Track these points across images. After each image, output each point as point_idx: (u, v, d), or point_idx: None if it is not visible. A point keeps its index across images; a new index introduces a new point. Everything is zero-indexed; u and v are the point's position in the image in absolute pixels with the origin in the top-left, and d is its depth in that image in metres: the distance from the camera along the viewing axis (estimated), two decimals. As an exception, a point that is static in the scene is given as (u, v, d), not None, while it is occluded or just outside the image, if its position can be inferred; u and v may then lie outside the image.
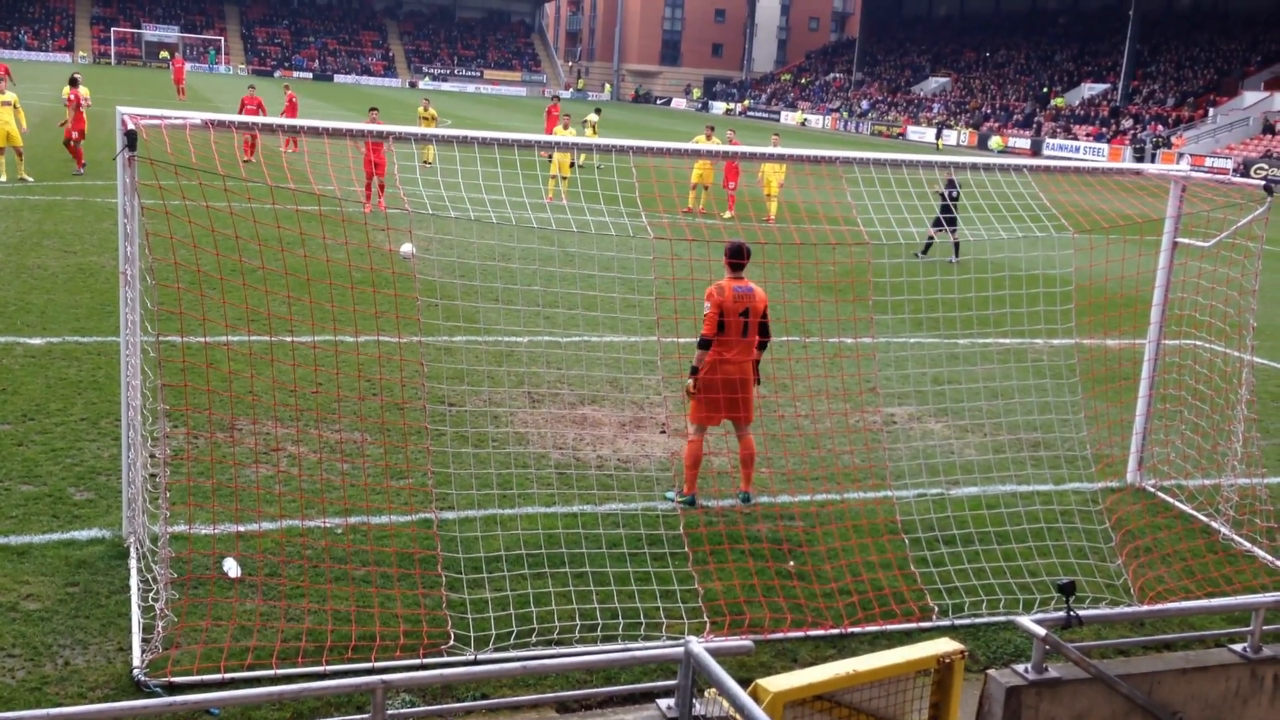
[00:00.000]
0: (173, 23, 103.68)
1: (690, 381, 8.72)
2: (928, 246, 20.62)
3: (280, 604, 6.80)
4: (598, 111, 41.24)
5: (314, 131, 7.37)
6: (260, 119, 7.48)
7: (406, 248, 14.32)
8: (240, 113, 32.21)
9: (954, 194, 19.07)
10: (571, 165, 24.71)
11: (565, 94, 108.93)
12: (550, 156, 24.35)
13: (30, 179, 23.73)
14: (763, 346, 8.87)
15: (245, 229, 7.41)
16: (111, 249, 16.81)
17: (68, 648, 6.24)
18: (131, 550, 7.27)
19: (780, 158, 8.51)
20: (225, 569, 7.11)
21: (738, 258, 8.72)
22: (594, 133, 37.38)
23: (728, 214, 25.76)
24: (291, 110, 32.44)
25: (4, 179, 23.47)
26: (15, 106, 23.75)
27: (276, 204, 7.61)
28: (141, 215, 6.75)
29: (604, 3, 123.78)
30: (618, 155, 8.23)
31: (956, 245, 20.39)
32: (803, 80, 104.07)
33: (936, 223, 19.09)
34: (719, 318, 8.59)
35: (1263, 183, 8.82)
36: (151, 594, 6.57)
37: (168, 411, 7.08)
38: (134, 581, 6.89)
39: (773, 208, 24.87)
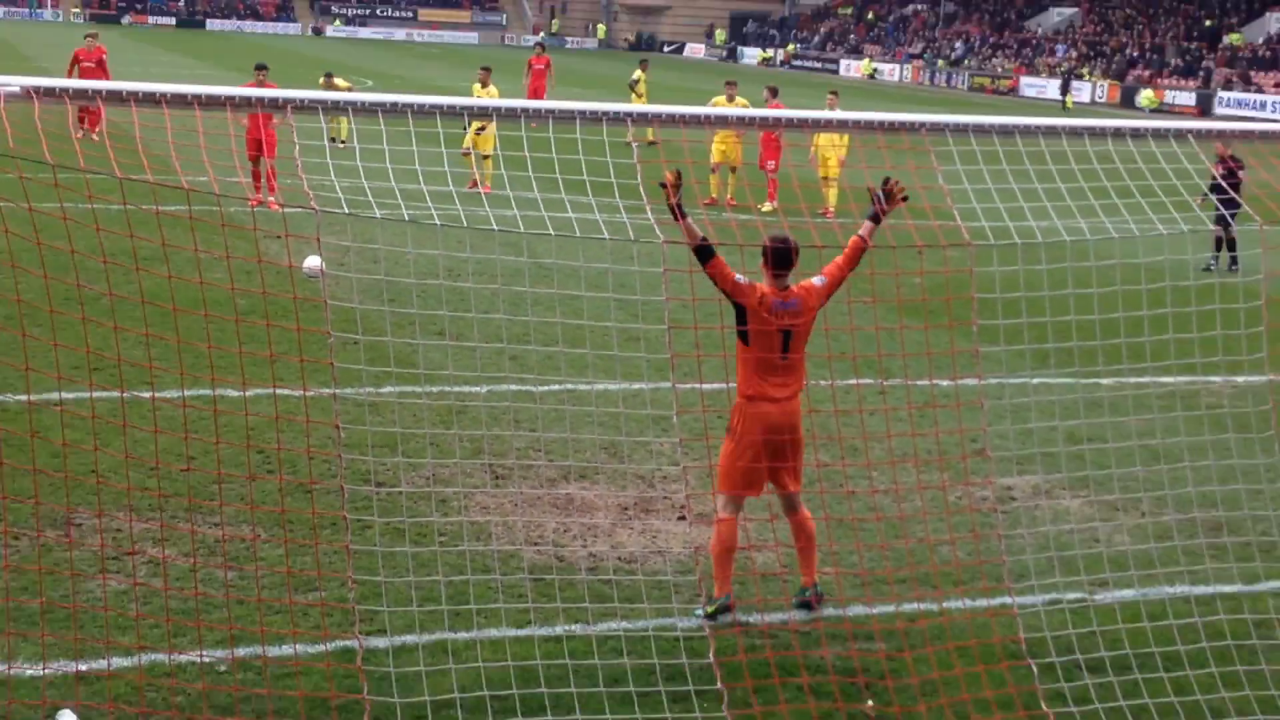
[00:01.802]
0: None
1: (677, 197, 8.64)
2: (1220, 244, 21.60)
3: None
4: (643, 65, 41.60)
5: (180, 100, 7.42)
6: (104, 84, 7.57)
7: (312, 261, 14.40)
8: (72, 72, 32.43)
9: (1240, 175, 19.83)
10: (480, 130, 24.69)
11: (531, 39, 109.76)
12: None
13: None
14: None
15: (85, 240, 7.45)
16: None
17: None
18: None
19: (841, 125, 8.58)
20: (60, 726, 7.10)
21: (781, 264, 8.78)
22: (641, 98, 37.82)
23: (767, 206, 25.90)
24: (101, 71, 32.44)
25: None
26: None
27: (128, 204, 7.65)
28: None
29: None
30: (610, 124, 8.30)
31: (1233, 243, 20.98)
32: (870, 15, 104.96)
33: (1219, 219, 19.63)
34: (741, 316, 8.75)
35: None
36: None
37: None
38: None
39: (832, 196, 25.04)
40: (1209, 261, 21.57)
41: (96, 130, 27.27)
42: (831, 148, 25.52)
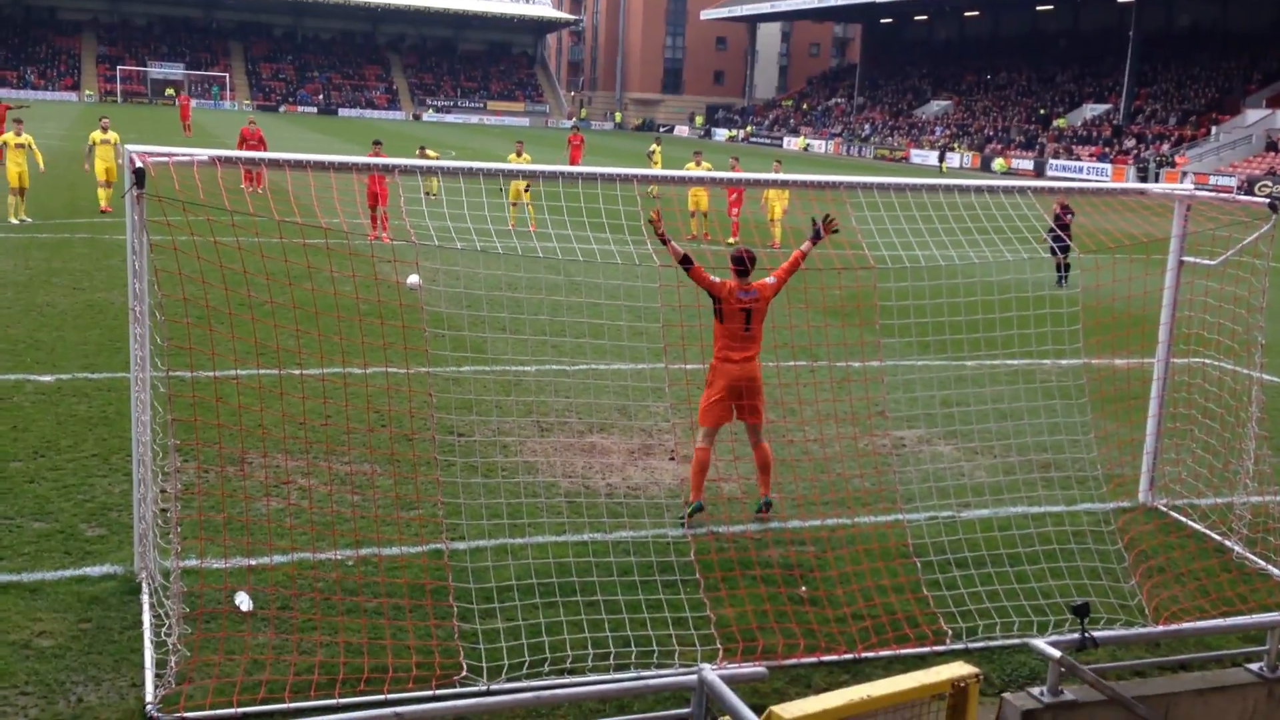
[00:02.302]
0: (178, 60, 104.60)
1: (662, 229, 8.48)
2: (1062, 269, 21.12)
3: (292, 637, 6.80)
4: (658, 140, 41.06)
5: (320, 166, 7.42)
6: (266, 154, 7.54)
7: (413, 279, 14.39)
8: (240, 146, 32.10)
9: (1068, 219, 19.94)
10: (527, 189, 24.61)
11: (568, 123, 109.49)
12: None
13: (29, 219, 23.85)
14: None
15: (253, 263, 7.45)
16: (120, 285, 16.89)
17: (81, 684, 6.24)
18: (143, 585, 7.27)
19: (784, 184, 8.56)
20: (237, 603, 7.11)
21: (739, 264, 8.81)
22: (656, 164, 37.38)
23: (732, 239, 25.85)
24: (261, 145, 31.90)
25: (13, 220, 23.51)
26: (30, 147, 24.15)
27: (284, 238, 7.64)
28: (150, 252, 6.80)
29: (605, 33, 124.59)
30: (622, 184, 8.28)
31: (1067, 267, 20.78)
32: (804, 106, 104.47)
33: (1053, 250, 19.59)
34: (716, 302, 8.72)
35: (1267, 200, 8.83)
36: (164, 629, 6.58)
37: (178, 446, 7.10)
38: (146, 617, 6.89)
39: (777, 232, 24.95)
40: (1060, 280, 21.32)
41: (260, 187, 26.98)
42: (777, 199, 25.40)
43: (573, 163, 40.72)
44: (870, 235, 10.18)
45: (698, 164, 26.63)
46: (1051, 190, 9.71)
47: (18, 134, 24.11)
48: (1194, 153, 60.36)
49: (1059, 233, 18.87)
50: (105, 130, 25.63)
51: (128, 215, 6.82)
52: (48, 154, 26.87)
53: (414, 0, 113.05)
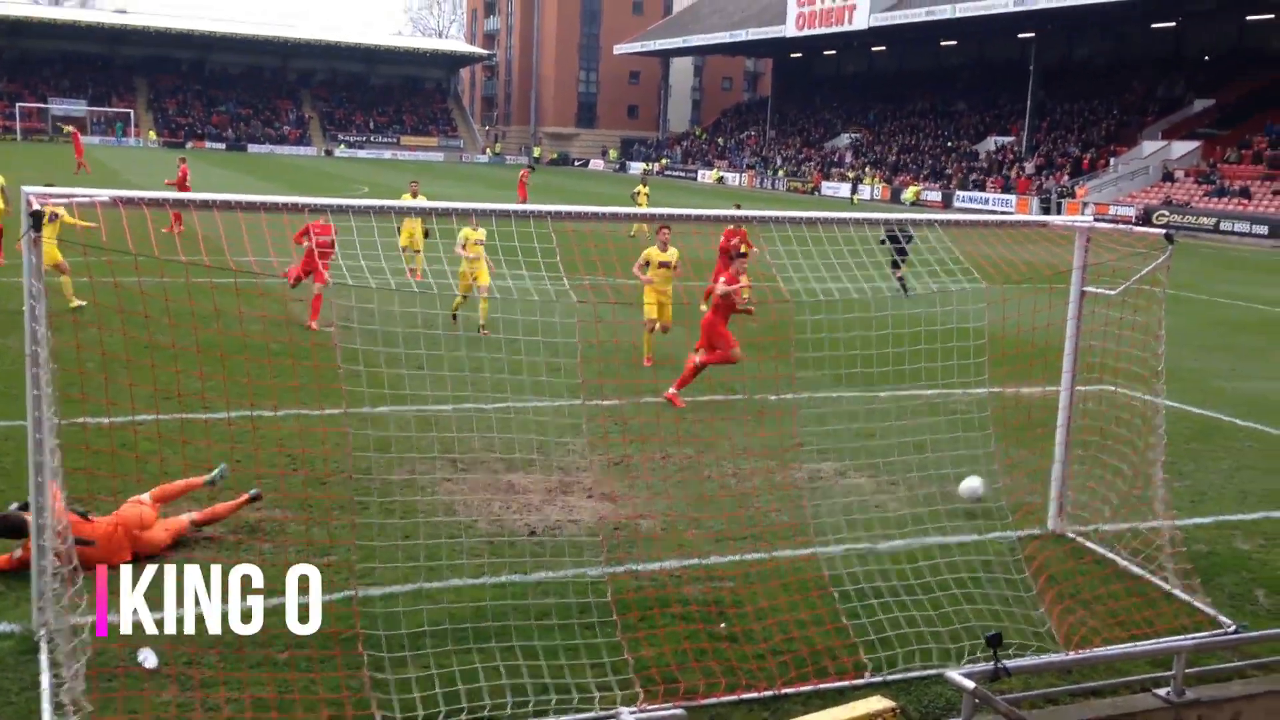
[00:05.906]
0: (80, 96, 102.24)
1: None
2: (903, 283, 21.45)
3: (198, 694, 6.59)
4: (644, 182, 40.29)
5: (231, 206, 7.18)
6: (174, 194, 7.35)
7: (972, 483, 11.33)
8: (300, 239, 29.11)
9: (906, 236, 20.17)
10: (426, 235, 20.48)
11: (483, 158, 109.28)
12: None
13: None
14: None
15: (157, 306, 7.27)
16: (16, 331, 16.34)
17: (-27, 751, 5.98)
18: (42, 644, 7.01)
19: (700, 219, 8.59)
20: (141, 660, 6.88)
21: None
22: (645, 202, 36.65)
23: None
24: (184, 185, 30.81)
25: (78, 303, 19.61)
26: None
27: (191, 279, 7.49)
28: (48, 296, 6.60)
29: (519, 67, 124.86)
30: (536, 220, 8.27)
31: (903, 280, 21.25)
32: (719, 140, 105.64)
33: (894, 264, 19.85)
34: None
35: (1164, 232, 9.13)
36: (64, 689, 6.33)
37: (78, 498, 6.87)
38: (45, 677, 6.63)
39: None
40: (901, 290, 21.34)
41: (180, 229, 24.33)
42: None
43: (521, 199, 40.75)
44: (785, 270, 10.27)
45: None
46: (958, 224, 9.92)
47: None
48: (1094, 183, 62.23)
49: (899, 244, 19.15)
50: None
51: (25, 258, 6.61)
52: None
53: (325, 35, 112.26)
